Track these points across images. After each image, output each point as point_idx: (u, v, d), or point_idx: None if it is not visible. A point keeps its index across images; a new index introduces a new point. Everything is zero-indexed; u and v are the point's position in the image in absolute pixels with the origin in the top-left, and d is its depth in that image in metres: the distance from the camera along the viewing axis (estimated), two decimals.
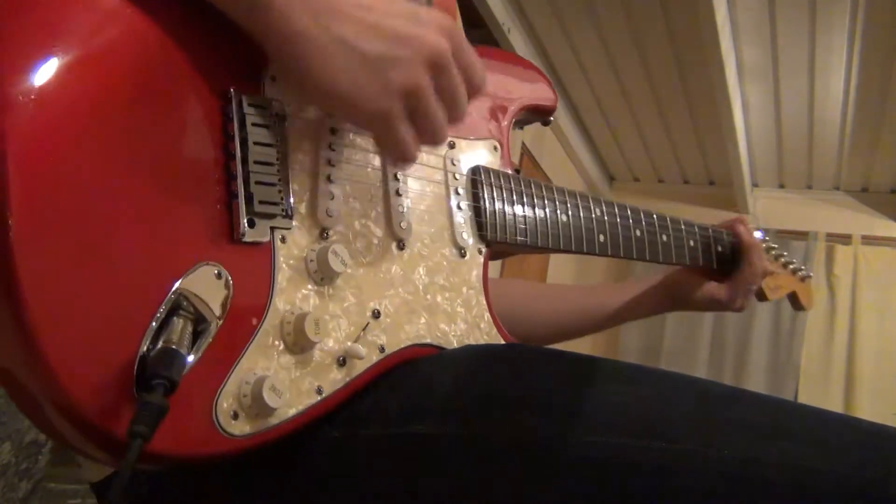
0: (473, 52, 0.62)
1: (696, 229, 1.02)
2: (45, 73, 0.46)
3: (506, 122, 0.83)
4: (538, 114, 0.88)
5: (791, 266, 1.20)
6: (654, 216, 0.95)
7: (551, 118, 0.90)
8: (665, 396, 0.56)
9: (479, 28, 3.12)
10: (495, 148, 0.80)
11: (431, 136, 0.61)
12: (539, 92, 0.87)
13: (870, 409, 4.19)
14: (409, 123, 0.59)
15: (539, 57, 3.65)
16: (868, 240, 4.49)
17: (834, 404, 4.29)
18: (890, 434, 0.52)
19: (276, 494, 0.60)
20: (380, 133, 0.60)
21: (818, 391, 4.36)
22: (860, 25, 3.07)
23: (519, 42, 3.43)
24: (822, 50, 3.27)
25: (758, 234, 1.11)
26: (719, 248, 1.04)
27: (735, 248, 1.06)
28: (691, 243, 1.00)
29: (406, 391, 0.61)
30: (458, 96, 0.61)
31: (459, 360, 0.65)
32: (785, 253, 1.18)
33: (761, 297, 1.13)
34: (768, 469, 0.50)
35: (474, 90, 0.62)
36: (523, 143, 3.74)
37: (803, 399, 4.36)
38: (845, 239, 4.53)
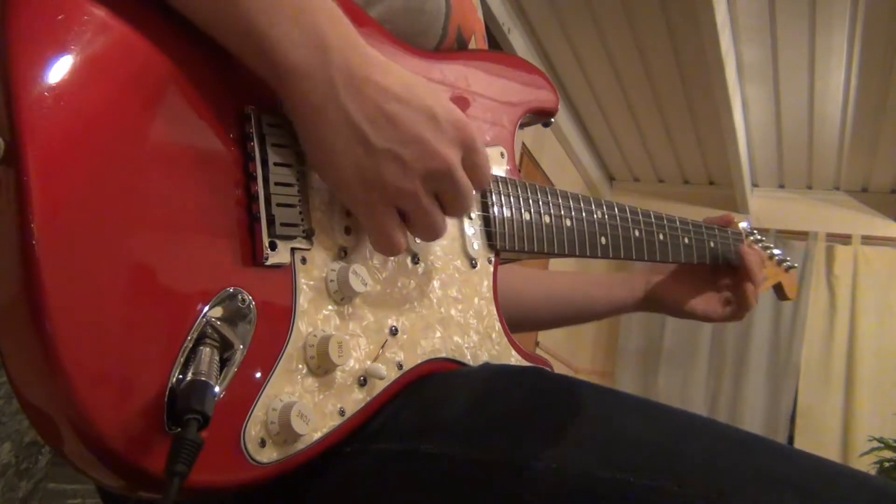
0: (484, 154, 0.61)
1: (691, 227, 1.02)
2: (62, 96, 0.46)
3: (511, 128, 0.83)
4: (540, 116, 0.89)
5: (776, 257, 1.21)
6: (651, 215, 0.96)
7: (552, 119, 0.89)
8: (679, 437, 0.55)
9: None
10: (502, 154, 0.80)
11: (424, 235, 0.61)
12: (542, 95, 0.88)
13: (870, 409, 4.20)
14: (398, 219, 0.58)
15: (539, 57, 3.65)
16: (868, 240, 4.49)
17: (834, 404, 4.30)
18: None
19: (282, 501, 0.60)
20: (362, 218, 0.59)
21: (818, 391, 4.36)
22: (860, 25, 3.07)
23: (519, 42, 3.43)
24: (822, 50, 3.27)
25: (743, 225, 1.12)
26: (712, 245, 1.05)
27: (732, 256, 1.06)
28: (685, 241, 1.01)
29: (418, 409, 0.61)
30: (458, 201, 0.60)
31: (475, 380, 0.64)
32: (770, 244, 1.20)
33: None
34: None
35: (477, 190, 0.62)
36: (523, 144, 3.74)
37: (803, 399, 4.37)
38: (845, 239, 4.53)
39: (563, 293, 1.08)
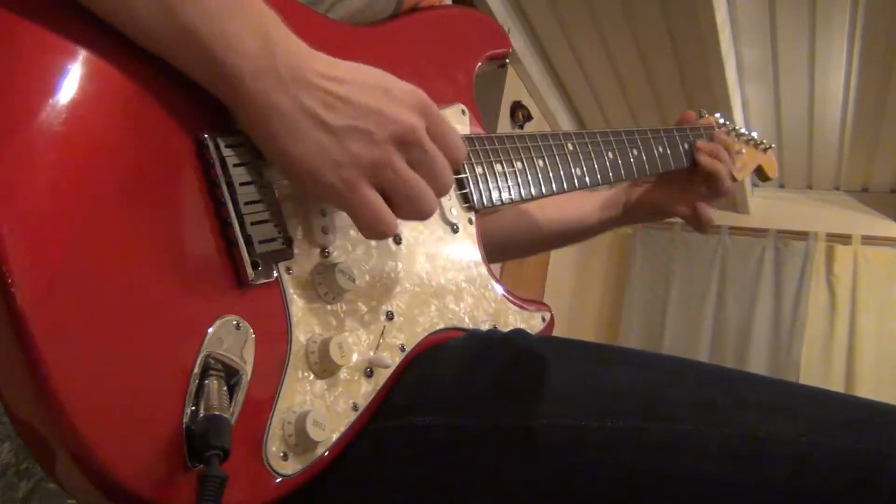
0: (449, 126, 0.61)
1: (662, 134, 1.02)
2: (25, 144, 0.45)
3: (467, 81, 0.81)
4: (494, 61, 0.86)
5: (752, 141, 1.21)
6: (623, 133, 0.95)
7: (507, 61, 0.88)
8: (666, 379, 0.57)
9: None
10: (463, 112, 0.79)
11: (410, 208, 0.59)
12: (491, 40, 0.85)
13: None
14: (379, 196, 0.57)
15: (539, 57, 3.65)
16: (868, 240, 4.49)
17: None
18: (884, 409, 0.53)
19: None
20: (344, 205, 0.57)
21: None
22: (860, 25, 3.07)
23: (519, 42, 3.43)
24: (822, 50, 3.27)
25: (716, 116, 1.13)
26: (685, 146, 1.05)
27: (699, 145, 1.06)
28: (660, 149, 1.00)
29: (410, 384, 0.62)
30: (436, 168, 0.59)
31: (461, 350, 0.65)
32: (743, 129, 1.19)
33: (731, 178, 1.13)
34: (768, 445, 0.51)
35: (452, 164, 0.61)
36: None
37: None
38: (845, 239, 4.52)
39: (551, 224, 1.08)
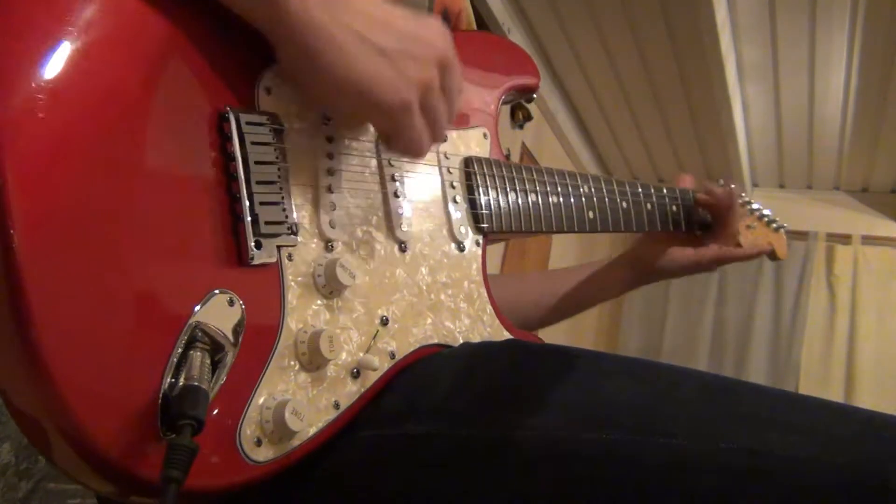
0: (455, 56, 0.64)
1: (678, 194, 1.03)
2: (42, 102, 0.45)
3: (493, 107, 0.83)
4: (522, 93, 0.88)
5: (766, 218, 1.21)
6: (639, 186, 0.96)
7: (534, 95, 0.89)
8: (664, 391, 0.56)
9: (479, 28, 3.12)
10: (485, 136, 0.80)
11: (438, 133, 0.62)
12: (521, 71, 0.87)
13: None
14: (424, 120, 0.60)
15: (539, 57, 3.65)
16: (868, 240, 4.49)
17: None
18: (886, 422, 0.52)
19: (274, 495, 0.60)
20: (398, 126, 0.60)
21: (818, 391, 4.36)
22: (860, 25, 3.07)
23: (519, 42, 3.43)
24: (822, 50, 3.27)
25: (732, 187, 1.12)
26: (700, 211, 1.06)
27: (712, 210, 1.07)
28: (673, 208, 1.02)
29: (404, 392, 0.62)
30: (456, 96, 0.62)
31: (457, 359, 0.65)
32: (758, 205, 1.19)
33: (735, 234, 1.13)
34: (767, 460, 0.49)
35: (460, 94, 0.64)
36: (523, 143, 3.74)
37: None
38: (845, 239, 4.52)
39: (561, 291, 1.08)
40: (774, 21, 3.14)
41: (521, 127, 3.59)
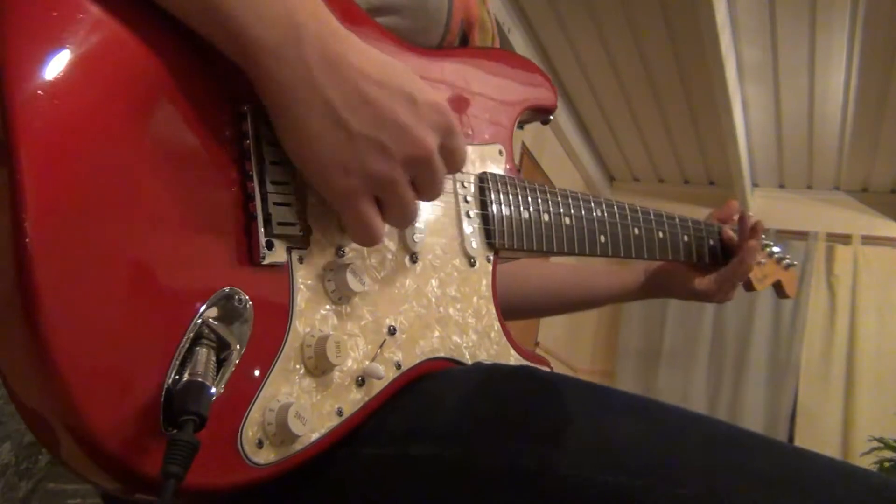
0: (461, 138, 0.60)
1: (690, 224, 1.03)
2: (57, 94, 0.45)
3: (509, 125, 0.82)
4: (539, 113, 0.88)
5: (776, 255, 1.22)
6: (651, 213, 0.97)
7: (551, 117, 0.90)
8: (672, 436, 0.54)
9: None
10: (500, 152, 0.80)
11: (399, 222, 0.59)
12: (540, 92, 0.88)
13: (869, 409, 4.20)
14: (376, 210, 0.56)
15: (539, 57, 3.65)
16: (868, 240, 4.49)
17: (834, 404, 4.29)
18: (893, 487, 0.50)
19: (273, 502, 0.60)
20: (339, 209, 0.57)
21: (818, 391, 4.36)
22: (860, 25, 3.07)
23: (519, 42, 3.43)
24: (822, 50, 3.27)
25: None
26: (711, 243, 1.06)
27: (726, 243, 1.08)
28: (685, 239, 1.02)
29: (409, 411, 0.61)
30: (434, 186, 0.59)
31: (465, 380, 0.63)
32: (770, 242, 1.20)
33: (749, 287, 1.16)
34: None
35: (451, 172, 0.61)
36: (523, 143, 3.74)
37: (803, 399, 4.37)
38: (845, 239, 4.53)
39: (566, 281, 1.10)
40: (774, 21, 3.14)
41: (521, 127, 3.59)
